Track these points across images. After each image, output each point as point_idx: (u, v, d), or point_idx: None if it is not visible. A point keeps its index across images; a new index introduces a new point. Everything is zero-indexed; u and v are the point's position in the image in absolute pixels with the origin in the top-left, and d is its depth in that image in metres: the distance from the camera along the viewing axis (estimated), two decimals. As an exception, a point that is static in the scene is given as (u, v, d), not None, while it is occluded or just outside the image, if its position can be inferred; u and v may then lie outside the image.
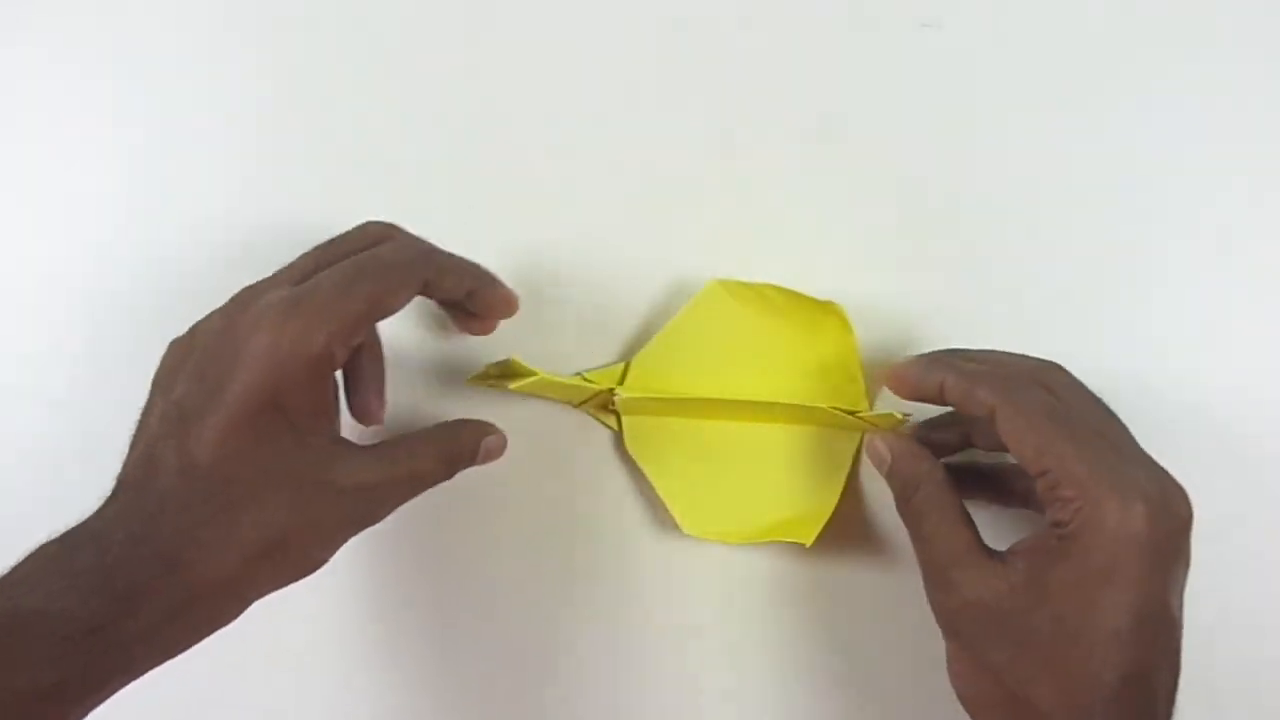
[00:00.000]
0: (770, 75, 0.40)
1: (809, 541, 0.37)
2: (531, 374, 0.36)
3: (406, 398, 0.40)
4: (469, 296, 0.35)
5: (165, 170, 0.41)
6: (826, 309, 0.39)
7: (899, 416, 0.37)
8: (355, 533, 0.33)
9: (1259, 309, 0.40)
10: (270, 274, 0.34)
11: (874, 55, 0.40)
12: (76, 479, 0.40)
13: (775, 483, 0.39)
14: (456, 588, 0.40)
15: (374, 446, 0.33)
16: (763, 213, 0.41)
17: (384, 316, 0.32)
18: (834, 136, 0.41)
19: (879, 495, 0.40)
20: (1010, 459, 0.33)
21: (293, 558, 0.32)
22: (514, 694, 0.40)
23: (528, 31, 0.41)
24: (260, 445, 0.30)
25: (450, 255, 0.35)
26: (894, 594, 0.39)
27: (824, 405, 0.38)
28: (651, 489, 0.39)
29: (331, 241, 0.34)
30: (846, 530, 0.40)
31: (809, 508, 0.39)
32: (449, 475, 0.35)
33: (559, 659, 0.40)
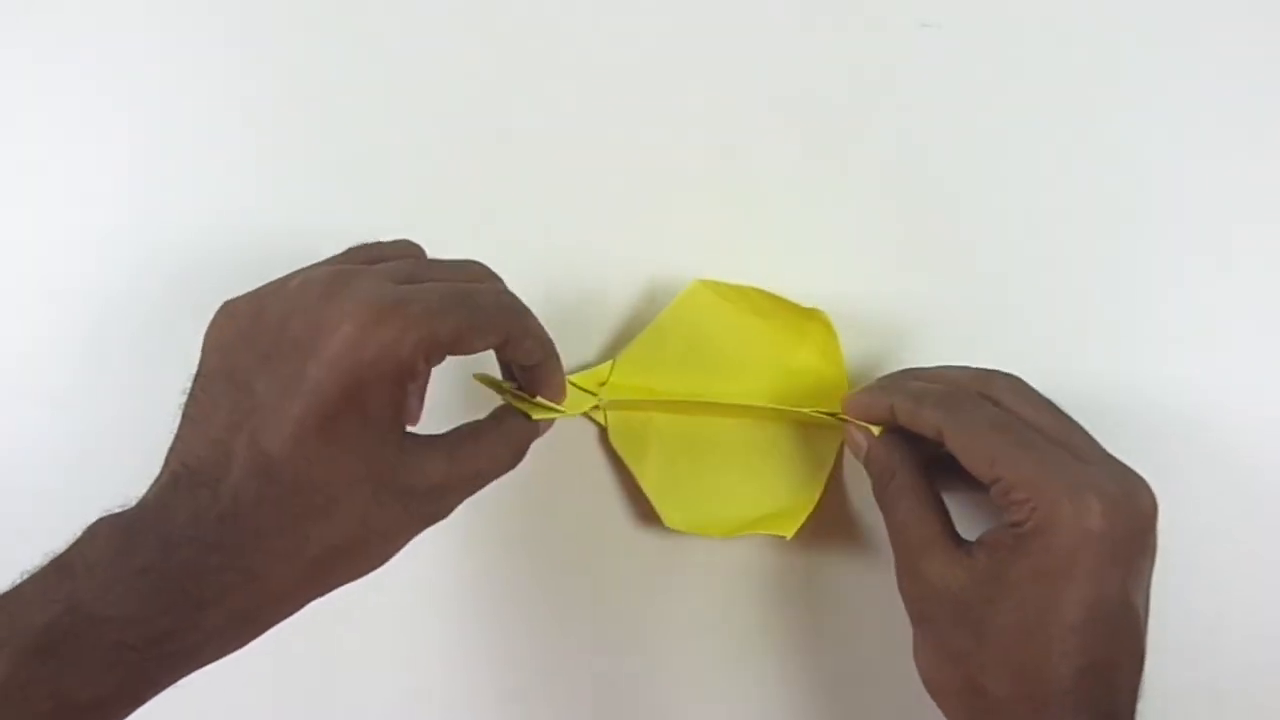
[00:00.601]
0: (770, 75, 0.40)
1: (790, 534, 0.38)
2: (551, 410, 0.35)
3: None
4: (532, 368, 0.34)
5: (166, 170, 0.41)
6: (810, 315, 0.39)
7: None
8: (415, 534, 0.32)
9: (1259, 308, 0.40)
10: (319, 261, 0.33)
11: (874, 55, 0.40)
12: (76, 479, 0.40)
13: (758, 477, 0.39)
14: (438, 581, 0.40)
15: (439, 441, 0.32)
16: (759, 213, 0.40)
17: (464, 352, 0.31)
18: (833, 136, 0.41)
19: (864, 491, 0.39)
20: None
21: (358, 562, 0.31)
22: (496, 688, 0.40)
23: (519, 29, 0.41)
24: (336, 447, 0.29)
25: (538, 323, 0.34)
26: (878, 588, 0.39)
27: (806, 409, 0.38)
28: (635, 483, 0.39)
29: (430, 259, 0.34)
30: (830, 525, 0.40)
31: (791, 502, 0.39)
32: (513, 466, 0.34)
33: (541, 652, 0.40)
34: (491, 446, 0.33)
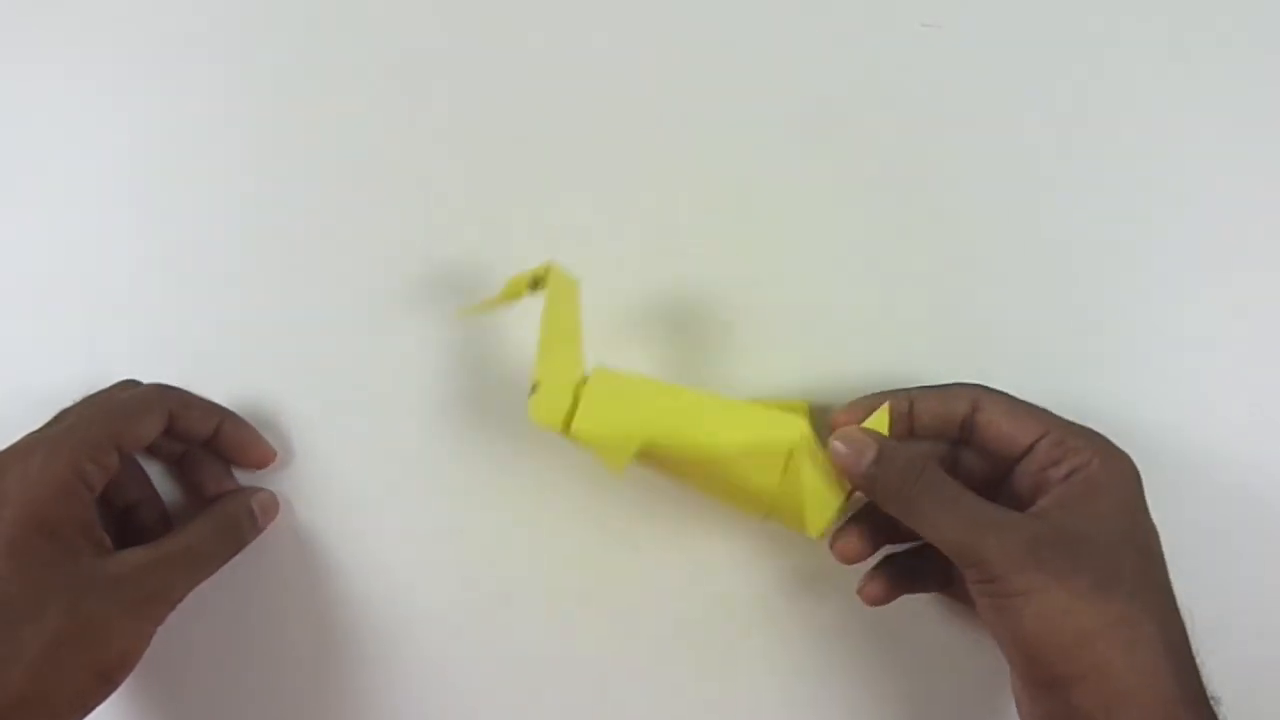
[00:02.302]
0: (770, 75, 0.40)
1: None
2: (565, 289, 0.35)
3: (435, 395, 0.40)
4: (219, 435, 0.38)
5: (166, 170, 0.41)
6: (788, 408, 0.37)
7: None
8: (150, 622, 0.35)
9: (1261, 307, 0.40)
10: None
11: (874, 55, 0.40)
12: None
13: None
14: (439, 578, 0.41)
15: (154, 535, 0.36)
16: (759, 214, 0.40)
17: (135, 446, 0.36)
18: (833, 137, 0.40)
19: None
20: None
21: (88, 659, 0.33)
22: (474, 685, 0.41)
23: (516, 27, 0.41)
24: (35, 564, 0.33)
25: (194, 395, 0.39)
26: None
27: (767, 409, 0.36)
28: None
29: (85, 398, 0.38)
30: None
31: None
32: (231, 543, 0.38)
33: (509, 657, 0.41)
34: (196, 527, 0.37)
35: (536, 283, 0.35)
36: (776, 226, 0.40)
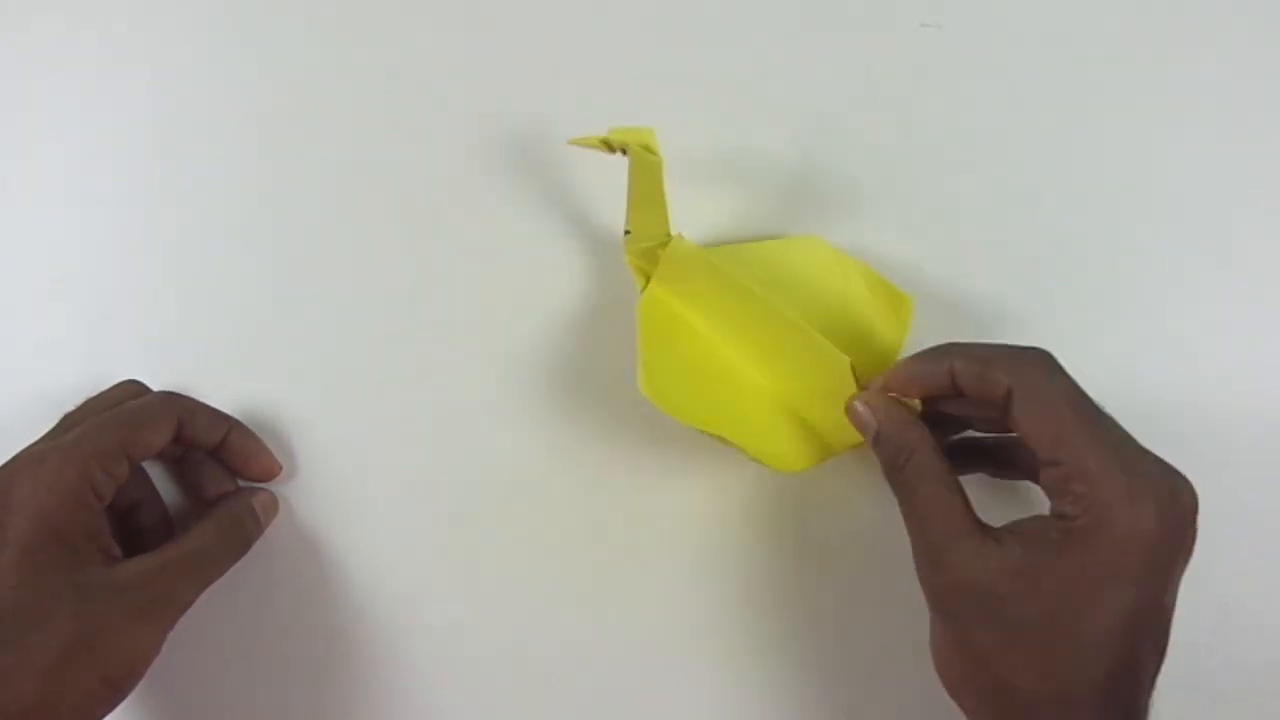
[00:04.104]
0: (769, 75, 0.40)
1: (778, 467, 0.37)
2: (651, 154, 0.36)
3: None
4: (225, 443, 0.38)
5: (166, 170, 0.41)
6: (900, 301, 0.39)
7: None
8: (160, 628, 0.35)
9: (1260, 307, 0.40)
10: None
11: (874, 55, 0.40)
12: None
13: (763, 426, 0.38)
14: (439, 578, 0.41)
15: (160, 541, 0.36)
16: (758, 214, 0.40)
17: (144, 454, 0.36)
18: (833, 137, 0.41)
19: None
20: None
21: (97, 666, 0.33)
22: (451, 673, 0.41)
23: (513, 26, 0.41)
24: (45, 572, 0.33)
25: (202, 403, 0.38)
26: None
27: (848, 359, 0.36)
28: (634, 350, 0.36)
29: (89, 400, 0.38)
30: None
31: (786, 452, 0.37)
32: (237, 546, 0.38)
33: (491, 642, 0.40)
34: (200, 530, 0.37)
35: (627, 149, 0.36)
36: (772, 225, 0.40)
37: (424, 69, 0.41)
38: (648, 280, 0.38)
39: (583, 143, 0.37)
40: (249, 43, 0.41)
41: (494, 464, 0.40)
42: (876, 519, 0.39)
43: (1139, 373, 0.40)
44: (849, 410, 0.35)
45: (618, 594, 0.40)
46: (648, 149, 0.36)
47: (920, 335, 0.40)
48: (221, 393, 0.40)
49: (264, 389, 0.40)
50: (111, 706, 0.34)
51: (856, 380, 0.36)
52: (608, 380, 0.40)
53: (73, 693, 0.33)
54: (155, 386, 0.39)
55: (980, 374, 0.32)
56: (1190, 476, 0.31)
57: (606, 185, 0.39)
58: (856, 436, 0.36)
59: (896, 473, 0.34)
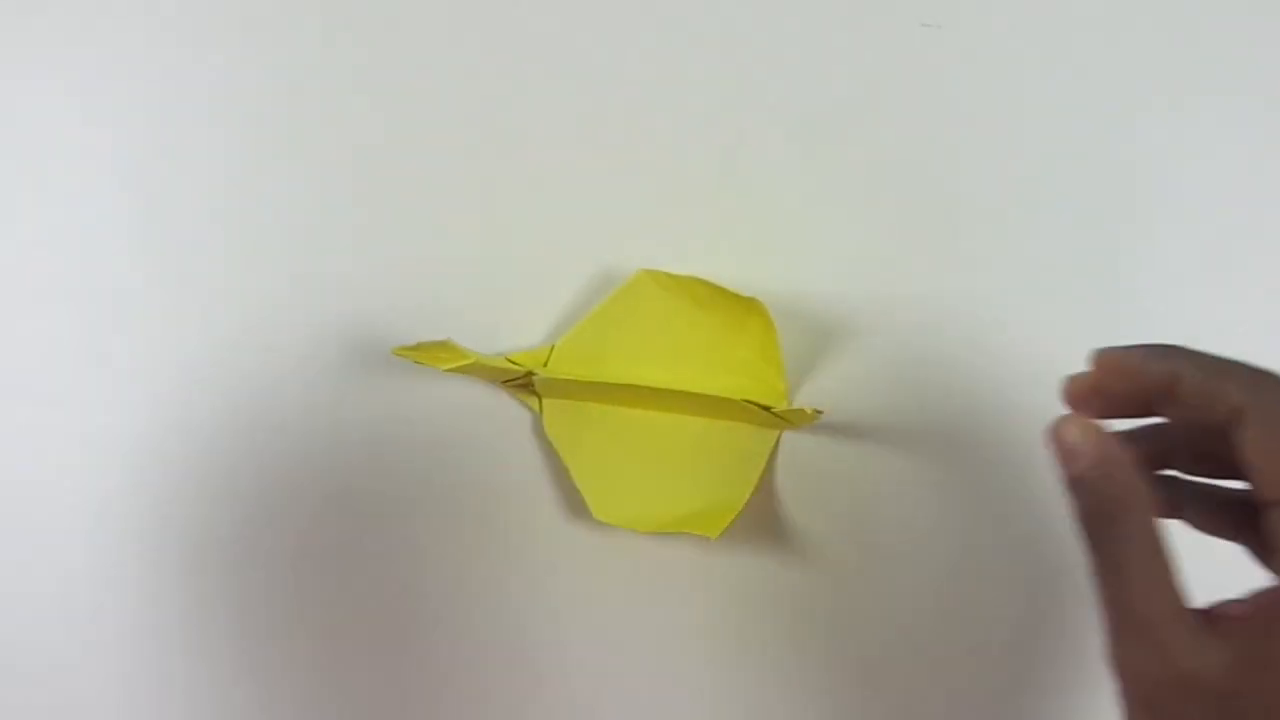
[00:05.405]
0: (769, 75, 0.40)
1: (715, 535, 0.37)
2: (465, 357, 0.37)
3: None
4: None
5: (166, 170, 0.41)
6: (749, 305, 0.38)
7: (810, 412, 0.37)
8: None
9: (1261, 305, 0.40)
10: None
11: (874, 55, 0.40)
12: (76, 478, 0.40)
13: (688, 474, 0.39)
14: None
15: None
16: (758, 214, 0.41)
17: None
18: (833, 137, 0.41)
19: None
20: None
21: None
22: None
23: (510, 24, 0.41)
24: None
25: None
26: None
27: (739, 398, 0.38)
28: (566, 473, 0.39)
29: None
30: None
31: (720, 501, 0.38)
32: None
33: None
34: None
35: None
36: (771, 225, 0.40)
37: (424, 70, 0.41)
38: (540, 401, 0.39)
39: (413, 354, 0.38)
40: (249, 43, 0.41)
41: (493, 465, 0.40)
42: (876, 518, 0.39)
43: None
44: (1053, 432, 0.28)
45: (618, 593, 0.40)
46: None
47: (920, 335, 0.40)
48: (220, 391, 0.40)
49: (262, 388, 0.40)
50: None
51: (764, 409, 0.37)
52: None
53: None
54: (155, 387, 0.39)
55: (1208, 385, 0.27)
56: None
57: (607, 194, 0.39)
58: (772, 422, 0.38)
59: (1100, 528, 0.28)
